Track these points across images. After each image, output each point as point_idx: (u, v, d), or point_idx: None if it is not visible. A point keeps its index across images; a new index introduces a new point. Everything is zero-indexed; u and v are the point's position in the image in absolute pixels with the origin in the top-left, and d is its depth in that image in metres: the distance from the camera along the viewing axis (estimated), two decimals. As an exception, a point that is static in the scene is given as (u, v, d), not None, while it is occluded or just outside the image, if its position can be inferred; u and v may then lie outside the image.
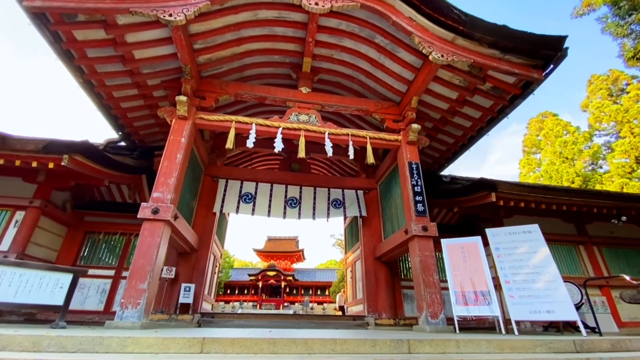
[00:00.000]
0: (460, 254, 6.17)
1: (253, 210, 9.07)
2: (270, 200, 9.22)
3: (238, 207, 9.01)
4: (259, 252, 55.01)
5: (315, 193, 9.47)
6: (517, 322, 5.46)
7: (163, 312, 6.95)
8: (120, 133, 8.69)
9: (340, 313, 11.17)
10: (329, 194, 9.54)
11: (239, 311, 42.05)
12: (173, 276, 7.44)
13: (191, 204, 8.11)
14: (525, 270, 5.73)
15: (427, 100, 7.91)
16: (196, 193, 8.47)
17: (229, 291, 47.02)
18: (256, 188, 9.21)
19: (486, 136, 8.57)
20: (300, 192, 9.44)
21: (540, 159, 27.26)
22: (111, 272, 7.85)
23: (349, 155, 7.36)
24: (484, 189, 7.55)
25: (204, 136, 8.97)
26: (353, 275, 9.96)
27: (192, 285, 7.40)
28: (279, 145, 7.08)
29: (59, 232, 7.84)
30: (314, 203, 9.40)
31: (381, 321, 7.31)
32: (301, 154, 7.12)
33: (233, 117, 7.20)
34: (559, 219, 9.14)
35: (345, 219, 9.33)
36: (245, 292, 47.70)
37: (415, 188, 7.08)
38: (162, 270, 6.41)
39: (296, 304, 46.49)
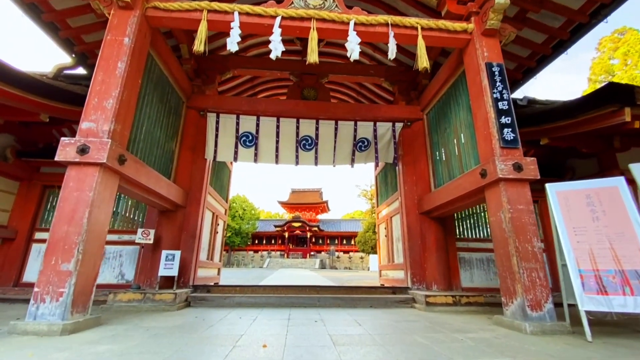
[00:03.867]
0: (587, 208, 3.65)
1: (256, 155, 6.81)
2: (277, 142, 6.86)
3: (236, 153, 6.77)
4: (284, 204, 54.98)
5: (336, 129, 6.96)
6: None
7: (139, 289, 5.23)
8: (73, 55, 6.39)
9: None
10: (355, 129, 6.99)
11: (267, 261, 43.12)
12: (151, 241, 5.59)
13: (168, 146, 5.95)
14: None
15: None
16: (175, 132, 6.25)
17: (256, 241, 48.04)
18: (257, 125, 6.83)
19: (607, 22, 5.39)
20: (317, 128, 6.96)
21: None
22: (79, 236, 6.14)
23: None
24: (609, 103, 4.67)
25: (183, 53, 6.47)
26: (388, 234, 7.81)
27: (177, 253, 5.55)
28: (276, 48, 4.48)
29: (6, 187, 6.08)
30: (335, 143, 6.95)
31: (434, 298, 5.21)
32: (312, 57, 4.49)
33: (204, 4, 4.58)
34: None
35: (376, 164, 6.95)
36: (273, 242, 48.55)
37: (501, 104, 4.38)
38: (104, 238, 4.47)
39: (322, 252, 46.91)
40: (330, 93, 7.69)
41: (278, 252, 46.74)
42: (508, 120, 4.29)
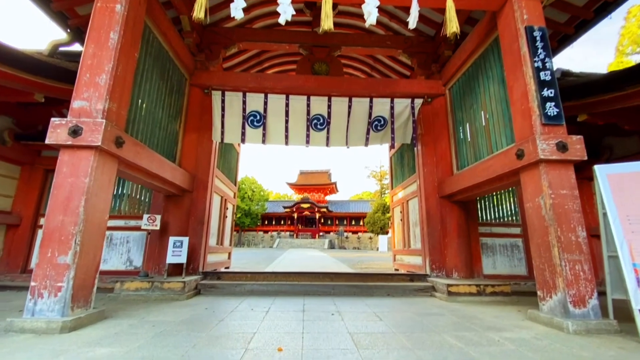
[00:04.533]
0: (646, 193, 3.18)
1: (264, 136, 6.39)
2: (286, 122, 6.41)
3: (243, 134, 6.36)
4: (292, 186, 55.02)
5: (350, 107, 6.45)
6: None
7: (147, 277, 5.03)
8: (68, 30, 5.95)
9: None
10: (370, 106, 6.47)
11: (277, 241, 43.62)
12: (158, 227, 5.35)
13: (171, 127, 5.58)
14: None
15: None
16: (179, 111, 5.86)
17: (266, 222, 48.53)
18: (265, 104, 6.37)
19: None
20: (329, 106, 6.46)
21: (642, 60, 20.78)
22: (85, 222, 5.94)
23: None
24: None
25: (184, 26, 5.96)
26: (404, 218, 7.44)
27: (185, 239, 5.31)
28: (285, 11, 3.96)
29: (7, 172, 5.86)
30: (348, 122, 6.46)
31: (457, 287, 4.88)
32: (326, 23, 3.95)
33: (203, -36, 4.04)
34: None
35: (392, 145, 6.47)
36: (282, 222, 48.96)
37: (543, 75, 3.82)
38: (104, 227, 4.24)
39: (331, 233, 47.19)
40: (343, 68, 7.12)
41: (287, 233, 47.18)
42: (551, 93, 3.76)
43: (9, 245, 5.78)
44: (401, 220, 7.65)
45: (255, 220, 45.16)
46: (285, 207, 47.33)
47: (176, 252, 5.20)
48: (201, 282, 5.25)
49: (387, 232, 35.71)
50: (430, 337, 2.89)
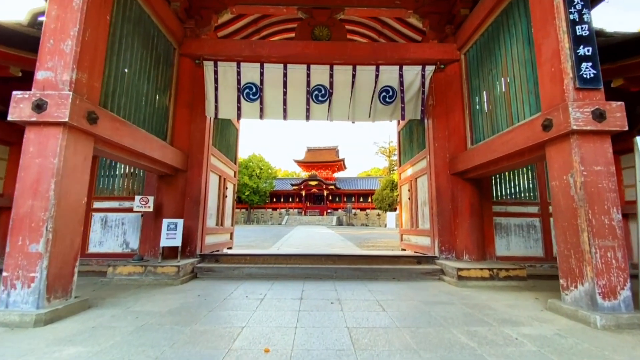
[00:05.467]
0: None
1: (261, 111, 5.92)
2: (285, 94, 5.92)
3: (239, 109, 5.90)
4: (300, 163, 54.66)
5: (354, 76, 5.89)
6: None
7: (141, 260, 4.85)
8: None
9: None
10: (376, 75, 5.90)
11: (286, 218, 43.97)
12: (151, 209, 5.10)
13: (160, 102, 5.18)
14: None
15: None
16: (168, 84, 5.43)
17: (274, 199, 48.79)
18: (262, 74, 5.85)
19: None
20: (331, 75, 5.91)
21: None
22: (79, 204, 5.74)
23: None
24: None
25: (168, -12, 5.38)
26: (412, 196, 7.03)
27: (179, 221, 5.06)
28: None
29: (-5, 152, 5.63)
30: (352, 93, 5.92)
31: (468, 272, 4.55)
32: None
33: None
34: None
35: (401, 118, 5.91)
36: (290, 200, 49.17)
37: (579, 29, 3.22)
38: (82, 212, 3.99)
39: (339, 210, 47.25)
40: (346, 32, 6.46)
41: (296, 210, 47.45)
42: (588, 51, 3.17)
43: (4, 228, 5.65)
44: (409, 199, 7.25)
45: (264, 198, 45.40)
46: (293, 185, 47.30)
47: (170, 234, 4.97)
48: (198, 266, 5.05)
49: (395, 209, 35.45)
50: (439, 333, 2.57)
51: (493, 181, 5.98)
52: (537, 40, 3.63)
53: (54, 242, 2.89)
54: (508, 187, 6.07)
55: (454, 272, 4.65)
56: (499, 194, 6.03)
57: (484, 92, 5.07)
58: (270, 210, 47.16)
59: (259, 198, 44.54)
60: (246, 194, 43.26)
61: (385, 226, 37.02)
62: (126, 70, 4.20)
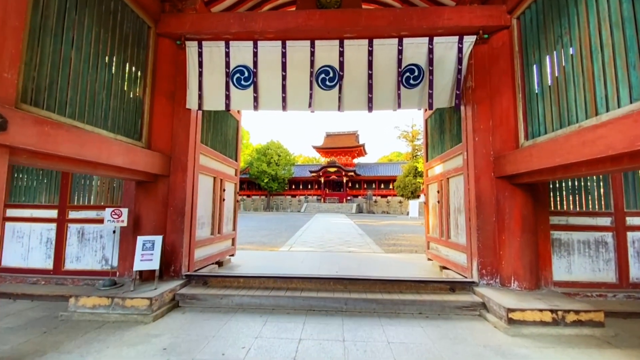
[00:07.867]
0: None
1: (256, 100, 4.82)
2: (284, 78, 4.77)
3: (228, 97, 4.83)
4: (319, 149, 53.56)
5: (371, 53, 4.66)
6: None
7: (113, 285, 4.06)
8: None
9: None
10: (399, 50, 4.63)
11: (304, 205, 43.36)
12: (125, 223, 4.27)
13: (131, 94, 4.23)
14: None
15: None
16: (142, 72, 4.46)
17: (293, 186, 48.35)
18: (255, 55, 4.75)
19: None
20: (342, 53, 4.71)
21: None
22: (53, 213, 5.03)
23: None
24: None
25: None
26: (443, 200, 5.82)
27: (157, 239, 4.20)
28: None
29: (-42, 156, 4.96)
30: (370, 76, 4.69)
31: (522, 313, 3.40)
32: None
33: None
34: None
35: (429, 107, 4.62)
36: (309, 187, 48.54)
37: None
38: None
39: (359, 197, 46.03)
40: (362, 4, 5.17)
41: (315, 197, 46.78)
42: None
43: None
44: (438, 202, 6.03)
45: (283, 185, 44.98)
46: (311, 171, 46.46)
47: (146, 255, 4.12)
48: (180, 292, 4.20)
49: (418, 196, 33.82)
50: None
51: (550, 185, 4.65)
52: (660, -19, 2.28)
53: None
54: (570, 192, 4.73)
55: (501, 313, 3.51)
56: (558, 201, 4.71)
57: (548, 69, 3.72)
58: (289, 197, 46.76)
59: (277, 185, 44.18)
60: (265, 180, 42.94)
61: (408, 214, 35.57)
62: (73, 56, 3.26)
